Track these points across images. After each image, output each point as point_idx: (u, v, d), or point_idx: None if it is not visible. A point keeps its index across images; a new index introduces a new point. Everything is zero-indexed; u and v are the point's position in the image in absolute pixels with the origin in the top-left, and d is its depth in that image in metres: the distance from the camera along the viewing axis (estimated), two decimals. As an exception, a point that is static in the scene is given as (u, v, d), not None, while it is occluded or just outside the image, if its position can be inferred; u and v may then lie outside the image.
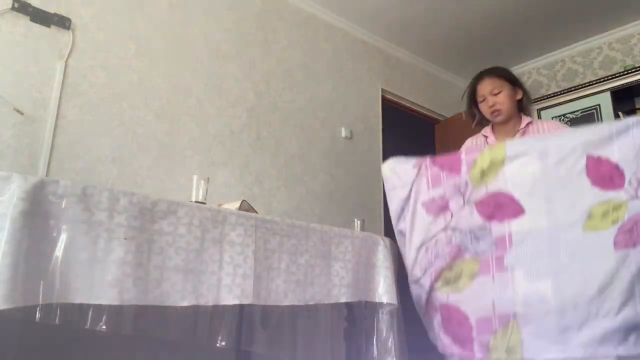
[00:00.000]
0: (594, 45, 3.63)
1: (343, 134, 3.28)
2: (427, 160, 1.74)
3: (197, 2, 2.72)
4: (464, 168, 1.63)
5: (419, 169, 1.73)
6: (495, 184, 1.55)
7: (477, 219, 1.57)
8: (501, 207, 1.53)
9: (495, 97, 1.90)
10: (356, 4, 3.29)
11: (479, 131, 2.09)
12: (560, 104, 3.36)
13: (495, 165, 1.55)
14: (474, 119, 2.06)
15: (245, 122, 2.79)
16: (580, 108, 3.24)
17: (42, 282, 1.08)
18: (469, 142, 2.06)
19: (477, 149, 1.88)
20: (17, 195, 1.06)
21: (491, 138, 1.97)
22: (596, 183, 1.39)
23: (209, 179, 1.87)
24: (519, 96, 1.95)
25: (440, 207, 1.67)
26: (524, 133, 1.91)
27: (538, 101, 3.48)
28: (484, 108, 1.94)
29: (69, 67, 2.18)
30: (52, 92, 2.11)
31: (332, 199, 3.11)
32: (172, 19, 2.59)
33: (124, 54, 2.37)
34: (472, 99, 2.01)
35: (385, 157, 2.82)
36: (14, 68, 2.04)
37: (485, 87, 1.93)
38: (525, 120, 1.95)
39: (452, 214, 1.64)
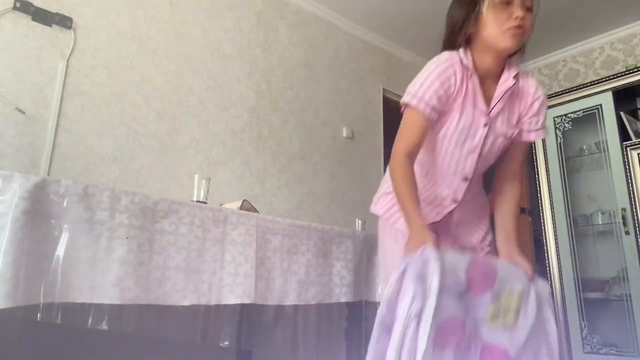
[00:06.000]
0: (595, 45, 3.62)
1: (344, 133, 3.28)
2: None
3: (198, 2, 2.72)
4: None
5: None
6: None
7: None
8: None
9: (527, 12, 1.23)
10: (357, 3, 3.28)
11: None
12: (561, 103, 3.35)
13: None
14: (458, 34, 1.32)
15: (246, 122, 2.79)
16: (582, 108, 3.24)
17: (43, 281, 1.08)
18: (442, 66, 1.29)
19: (464, 92, 1.27)
20: (19, 194, 1.06)
21: (475, 79, 1.30)
22: None
23: (210, 178, 1.87)
24: None
25: None
26: (511, 94, 1.34)
27: (539, 101, 3.46)
28: (501, 19, 1.22)
29: (70, 67, 2.19)
30: (53, 92, 2.12)
31: (333, 199, 3.11)
32: (174, 19, 2.59)
33: (125, 53, 2.37)
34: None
35: (386, 157, 2.81)
36: (16, 67, 2.04)
37: None
38: (514, 69, 1.35)
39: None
